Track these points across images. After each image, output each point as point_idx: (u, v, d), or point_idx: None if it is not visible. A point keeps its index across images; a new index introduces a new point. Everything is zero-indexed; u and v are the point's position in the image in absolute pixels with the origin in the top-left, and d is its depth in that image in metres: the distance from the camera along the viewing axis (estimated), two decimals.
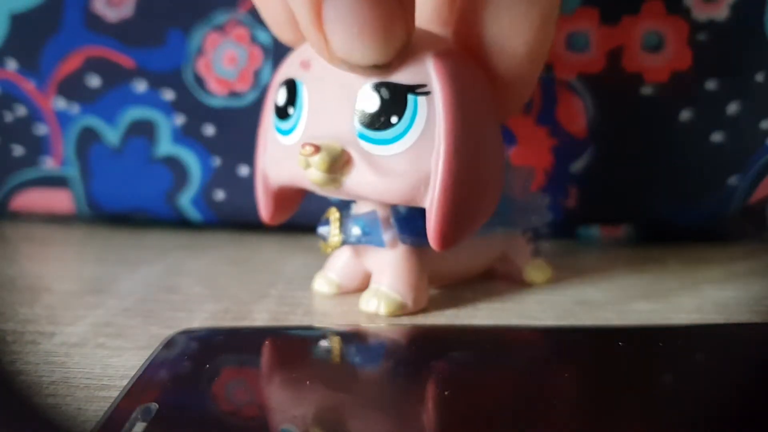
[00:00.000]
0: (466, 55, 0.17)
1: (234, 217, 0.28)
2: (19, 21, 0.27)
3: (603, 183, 0.26)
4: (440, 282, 0.21)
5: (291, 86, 0.18)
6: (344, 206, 0.20)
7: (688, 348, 0.16)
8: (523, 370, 0.15)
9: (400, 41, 0.16)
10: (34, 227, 0.30)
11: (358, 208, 0.20)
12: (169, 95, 0.27)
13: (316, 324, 0.18)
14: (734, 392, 0.14)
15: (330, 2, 0.14)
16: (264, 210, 0.20)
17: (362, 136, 0.17)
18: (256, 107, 0.25)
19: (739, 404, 0.13)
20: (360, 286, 0.20)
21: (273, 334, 0.17)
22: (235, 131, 0.27)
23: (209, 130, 0.28)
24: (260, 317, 0.19)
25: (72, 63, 0.27)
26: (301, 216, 0.21)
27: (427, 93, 0.16)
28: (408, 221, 0.19)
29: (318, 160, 0.16)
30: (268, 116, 0.19)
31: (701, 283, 0.22)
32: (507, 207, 0.20)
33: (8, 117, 0.28)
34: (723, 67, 0.24)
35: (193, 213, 0.29)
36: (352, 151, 0.17)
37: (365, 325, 0.18)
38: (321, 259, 0.22)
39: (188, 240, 0.28)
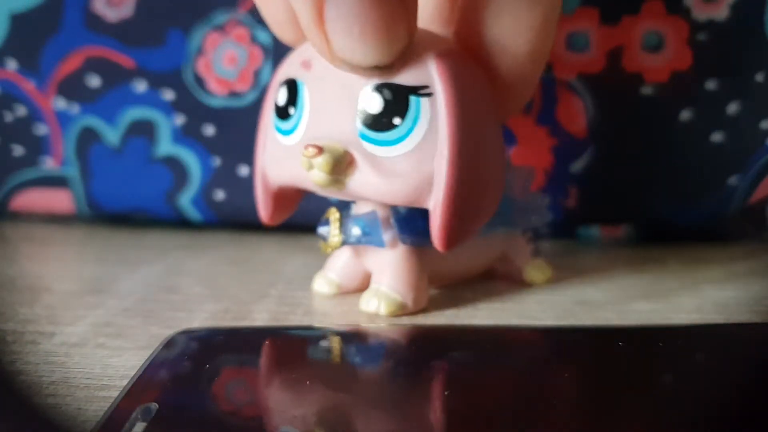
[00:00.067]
0: (467, 56, 0.17)
1: (234, 217, 0.28)
2: (19, 21, 0.27)
3: (603, 183, 0.26)
4: (440, 282, 0.21)
5: (292, 86, 0.18)
6: (344, 206, 0.20)
7: (688, 348, 0.16)
8: (523, 370, 0.15)
9: (402, 42, 0.16)
10: (34, 227, 0.30)
11: (358, 209, 0.20)
12: (169, 95, 0.27)
13: (316, 324, 0.18)
14: (734, 392, 0.14)
15: (332, 2, 0.14)
16: (263, 210, 0.20)
17: (364, 137, 0.17)
18: (256, 107, 0.25)
19: (740, 404, 0.13)
20: (360, 286, 0.20)
21: (273, 334, 0.17)
22: (235, 131, 0.27)
23: (209, 130, 0.28)
24: (260, 317, 0.19)
25: (72, 63, 0.27)
26: (301, 216, 0.21)
27: (429, 95, 0.16)
28: (408, 221, 0.19)
29: (321, 161, 0.16)
30: (268, 116, 0.19)
31: (701, 283, 0.22)
32: (507, 207, 0.20)
33: (8, 117, 0.28)
34: (723, 67, 0.24)
35: (193, 213, 0.29)
36: (355, 153, 0.17)
37: (365, 325, 0.18)
38: (321, 259, 0.22)
39: (188, 240, 0.28)
